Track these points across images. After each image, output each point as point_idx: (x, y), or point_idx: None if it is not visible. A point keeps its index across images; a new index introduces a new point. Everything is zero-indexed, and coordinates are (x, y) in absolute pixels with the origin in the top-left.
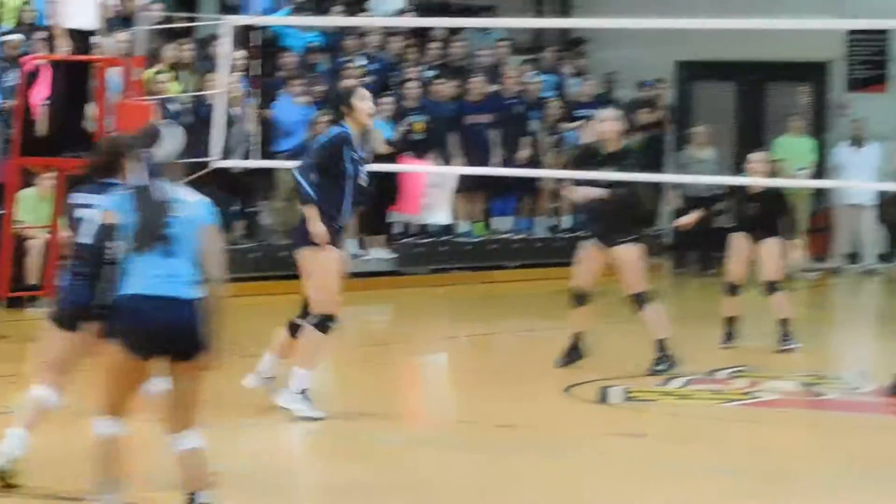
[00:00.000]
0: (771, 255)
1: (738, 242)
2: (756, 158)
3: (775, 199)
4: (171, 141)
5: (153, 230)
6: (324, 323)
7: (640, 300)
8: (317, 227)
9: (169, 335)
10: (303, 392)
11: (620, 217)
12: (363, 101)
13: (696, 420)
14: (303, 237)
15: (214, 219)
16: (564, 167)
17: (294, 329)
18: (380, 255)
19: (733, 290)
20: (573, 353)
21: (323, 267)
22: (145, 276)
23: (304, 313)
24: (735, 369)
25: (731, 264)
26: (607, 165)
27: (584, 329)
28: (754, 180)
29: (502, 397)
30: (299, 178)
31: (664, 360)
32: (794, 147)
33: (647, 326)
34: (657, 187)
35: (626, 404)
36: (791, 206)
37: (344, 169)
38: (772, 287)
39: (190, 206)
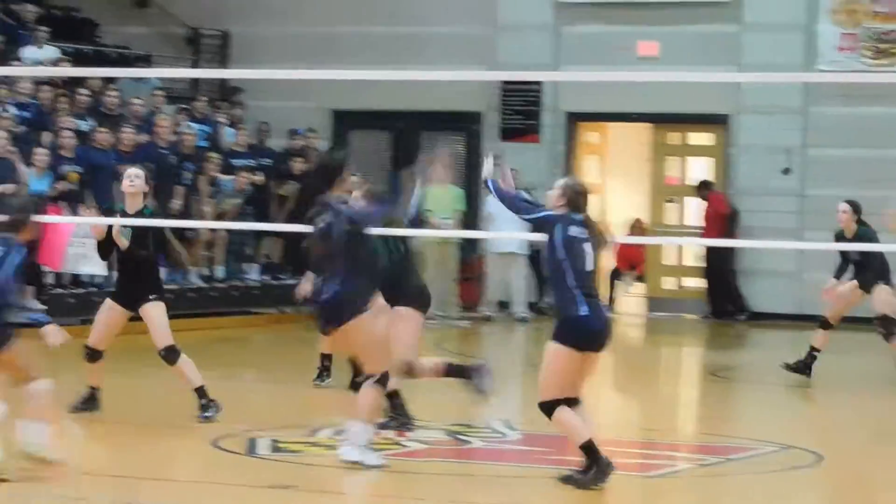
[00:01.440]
0: None
1: None
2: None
3: None
4: None
5: None
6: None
7: (169, 355)
8: None
9: None
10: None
11: (142, 276)
12: None
13: (343, 470)
14: None
15: None
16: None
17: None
18: (30, 306)
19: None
20: (89, 404)
21: None
22: None
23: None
24: (383, 419)
25: None
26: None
27: (99, 384)
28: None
29: (150, 449)
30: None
31: (210, 407)
32: (439, 195)
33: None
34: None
35: (275, 455)
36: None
37: None
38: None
39: None
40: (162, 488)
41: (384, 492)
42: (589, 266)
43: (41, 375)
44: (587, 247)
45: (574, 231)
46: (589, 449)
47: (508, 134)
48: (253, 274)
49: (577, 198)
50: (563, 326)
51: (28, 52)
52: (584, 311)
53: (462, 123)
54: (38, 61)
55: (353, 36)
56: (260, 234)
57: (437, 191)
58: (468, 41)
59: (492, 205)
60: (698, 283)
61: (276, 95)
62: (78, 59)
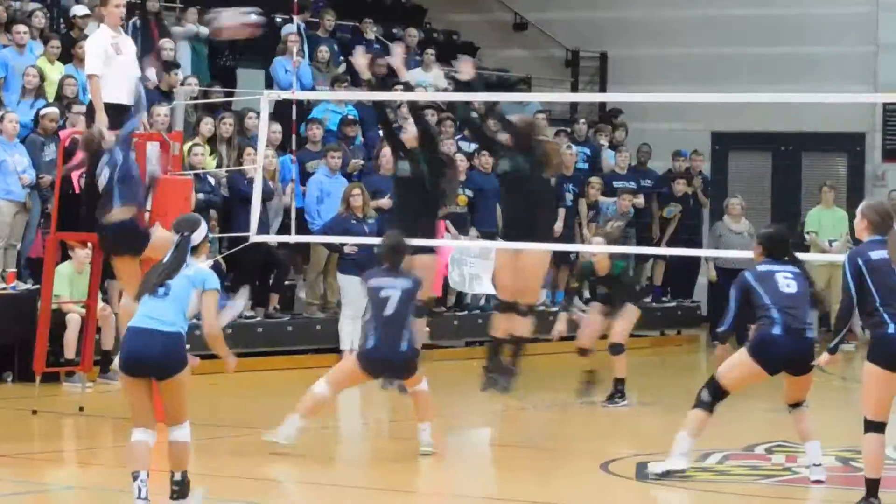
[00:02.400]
0: (620, 321)
1: (593, 313)
2: (596, 240)
3: (617, 280)
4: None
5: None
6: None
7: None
8: None
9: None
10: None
11: None
12: None
13: (733, 497)
14: None
15: (213, 284)
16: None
17: None
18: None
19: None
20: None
21: None
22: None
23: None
24: (773, 444)
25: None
26: None
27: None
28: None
29: (539, 473)
30: None
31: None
32: (826, 219)
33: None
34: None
35: (664, 480)
36: (633, 283)
37: None
38: (614, 349)
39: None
40: None
41: None
42: None
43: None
44: (893, 265)
45: (875, 254)
46: (869, 485)
47: (891, 154)
48: None
49: (878, 219)
50: (873, 345)
51: (414, 74)
52: (892, 329)
53: (844, 144)
54: (422, 84)
55: (733, 57)
56: (643, 257)
57: (822, 213)
58: (850, 61)
59: None
60: None
61: (656, 117)
62: (459, 83)
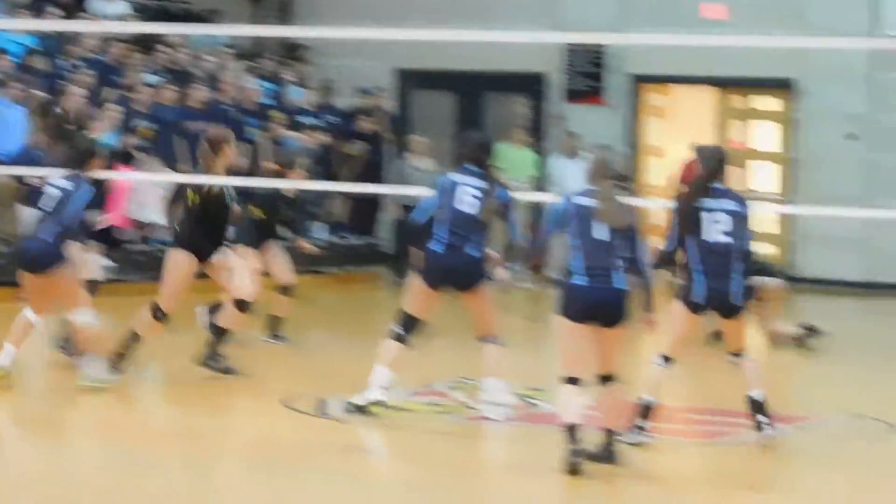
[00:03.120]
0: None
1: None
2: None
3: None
4: None
5: None
6: None
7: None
8: None
9: None
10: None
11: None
12: None
13: (416, 433)
14: None
15: None
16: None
17: None
18: (99, 262)
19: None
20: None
21: None
22: None
23: None
24: (455, 380)
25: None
26: None
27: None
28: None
29: (219, 408)
30: None
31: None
32: (514, 157)
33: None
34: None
35: (346, 417)
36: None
37: None
38: (287, 290)
39: None
40: (227, 449)
41: (453, 455)
42: (598, 235)
43: (86, 307)
44: (594, 216)
45: (580, 199)
46: (568, 430)
47: (573, 96)
48: (319, 233)
49: (592, 169)
50: (561, 296)
51: (97, 6)
52: (580, 280)
53: (526, 84)
54: (107, 16)
55: None
56: (326, 194)
57: (511, 151)
58: (534, 0)
59: (556, 166)
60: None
61: (342, 54)
62: (144, 14)
